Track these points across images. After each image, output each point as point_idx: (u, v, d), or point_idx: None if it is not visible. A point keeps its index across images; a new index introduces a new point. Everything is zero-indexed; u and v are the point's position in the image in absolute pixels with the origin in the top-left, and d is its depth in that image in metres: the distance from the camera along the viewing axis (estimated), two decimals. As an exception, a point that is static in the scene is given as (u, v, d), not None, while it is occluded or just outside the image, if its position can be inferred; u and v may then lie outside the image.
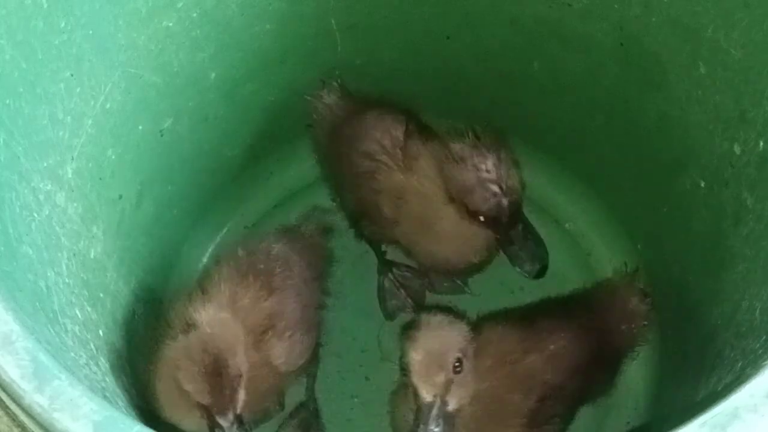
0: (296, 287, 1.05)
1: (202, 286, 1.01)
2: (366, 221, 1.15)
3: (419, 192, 1.04)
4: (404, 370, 0.91)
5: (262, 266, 1.03)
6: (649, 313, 1.13)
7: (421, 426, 0.87)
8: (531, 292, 1.22)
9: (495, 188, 0.95)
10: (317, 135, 1.23)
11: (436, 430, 0.87)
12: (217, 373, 0.87)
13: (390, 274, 1.24)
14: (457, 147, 0.98)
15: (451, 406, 0.89)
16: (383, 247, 1.25)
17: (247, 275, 1.01)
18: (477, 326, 1.02)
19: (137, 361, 1.01)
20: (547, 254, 1.05)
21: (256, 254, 1.05)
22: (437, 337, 0.91)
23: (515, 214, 0.97)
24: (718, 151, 0.96)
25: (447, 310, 1.02)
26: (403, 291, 1.24)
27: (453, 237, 1.03)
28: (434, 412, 0.87)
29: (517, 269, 1.03)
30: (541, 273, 1.05)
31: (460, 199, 0.97)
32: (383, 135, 1.10)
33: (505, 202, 0.95)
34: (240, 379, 0.88)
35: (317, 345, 1.11)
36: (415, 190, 1.04)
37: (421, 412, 0.88)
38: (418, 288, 1.25)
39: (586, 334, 1.05)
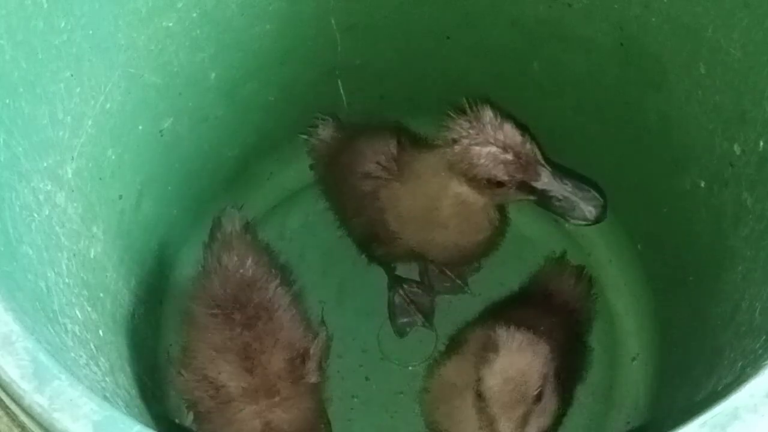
0: (288, 297, 1.05)
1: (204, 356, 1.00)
2: (376, 243, 1.15)
3: (416, 192, 1.04)
4: (480, 395, 0.86)
5: (255, 299, 1.02)
6: (588, 287, 1.17)
7: None
8: (531, 292, 1.22)
9: (491, 149, 0.92)
10: (319, 171, 1.25)
11: None
12: None
13: (401, 291, 1.24)
14: (448, 132, 0.96)
15: None
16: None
17: (253, 323, 1.00)
18: (459, 338, 1.03)
19: (137, 362, 1.01)
20: (602, 193, 0.95)
21: (241, 294, 1.02)
22: (518, 362, 0.86)
23: (530, 163, 0.93)
24: (718, 151, 0.96)
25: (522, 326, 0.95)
26: (413, 307, 1.24)
27: (455, 220, 1.02)
28: None
29: (572, 221, 0.95)
30: (602, 215, 0.94)
31: (473, 177, 0.95)
32: (377, 153, 1.10)
33: (509, 157, 0.92)
34: None
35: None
36: (412, 192, 1.04)
37: None
38: (428, 304, 1.25)
39: (552, 316, 1.07)
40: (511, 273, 1.24)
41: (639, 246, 1.22)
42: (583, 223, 0.94)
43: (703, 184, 1.01)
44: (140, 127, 1.03)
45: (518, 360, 0.86)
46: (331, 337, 1.11)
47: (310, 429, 1.02)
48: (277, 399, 0.97)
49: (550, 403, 0.88)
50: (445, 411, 0.99)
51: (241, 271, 1.03)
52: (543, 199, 0.94)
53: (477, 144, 0.93)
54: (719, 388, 0.81)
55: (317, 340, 1.04)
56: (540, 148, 0.95)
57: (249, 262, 1.04)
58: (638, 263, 1.22)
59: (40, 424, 0.60)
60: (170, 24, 0.99)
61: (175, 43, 1.01)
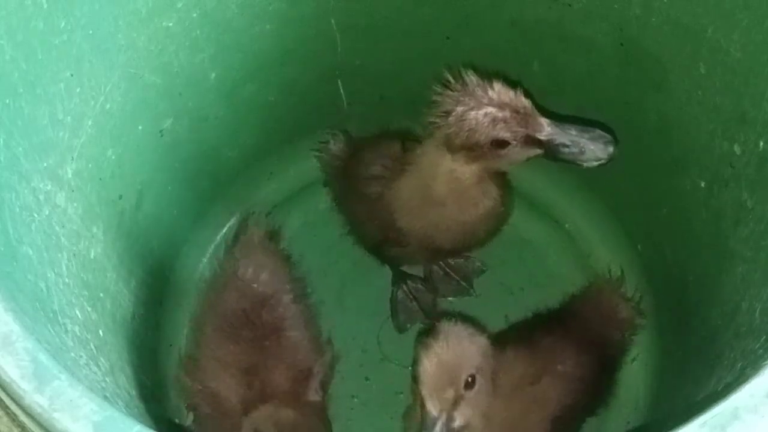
0: (299, 315, 1.04)
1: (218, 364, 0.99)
2: (388, 245, 1.14)
3: (414, 179, 1.03)
4: (414, 378, 0.88)
5: (264, 317, 1.01)
6: (638, 319, 1.14)
7: None
8: (531, 293, 1.22)
9: (487, 110, 0.90)
10: (332, 184, 1.25)
11: None
12: None
13: (404, 286, 1.24)
14: (438, 107, 0.94)
15: (457, 422, 0.86)
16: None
17: (260, 343, 0.99)
18: None
19: (137, 362, 1.01)
20: (609, 130, 0.92)
21: (252, 311, 1.01)
22: (453, 349, 0.87)
23: (528, 114, 0.90)
24: (718, 152, 0.96)
25: (469, 320, 0.95)
26: (415, 304, 1.23)
27: (452, 197, 1.00)
28: (438, 427, 0.84)
29: (584, 165, 0.92)
30: (613, 151, 0.91)
31: (475, 144, 0.92)
32: (382, 156, 1.10)
33: (506, 114, 0.90)
34: None
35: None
36: (410, 181, 1.03)
37: (425, 424, 0.85)
38: (430, 302, 1.24)
39: (586, 348, 1.05)
40: (512, 274, 1.24)
41: (639, 246, 1.22)
42: (597, 163, 0.92)
43: (703, 185, 1.01)
44: (140, 127, 1.03)
45: (452, 346, 0.87)
46: (338, 357, 1.11)
47: None
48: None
49: (483, 396, 0.89)
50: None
51: (255, 285, 1.02)
52: (550, 150, 0.91)
53: (471, 109, 0.90)
54: (719, 388, 0.81)
55: (321, 360, 1.03)
56: (534, 101, 0.92)
57: (264, 275, 1.03)
58: (638, 263, 1.22)
59: (40, 424, 0.60)
60: (170, 24, 0.99)
61: (175, 43, 1.01)
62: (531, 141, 0.91)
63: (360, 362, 1.21)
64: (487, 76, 0.92)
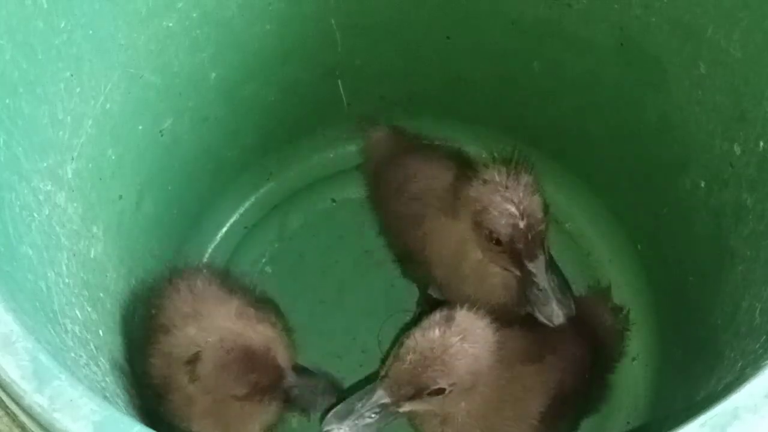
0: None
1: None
2: (412, 264, 1.13)
3: (460, 237, 1.01)
4: (384, 359, 0.86)
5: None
6: (624, 329, 1.15)
7: (358, 405, 0.84)
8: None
9: (512, 208, 0.91)
10: (367, 174, 1.23)
11: (369, 420, 0.84)
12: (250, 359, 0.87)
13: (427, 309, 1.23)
14: (485, 171, 0.95)
15: (403, 409, 0.85)
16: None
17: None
18: None
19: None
20: (573, 303, 0.96)
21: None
22: (432, 358, 0.84)
23: (534, 241, 0.92)
24: (718, 151, 0.96)
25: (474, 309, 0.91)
26: None
27: (476, 276, 1.01)
28: (379, 403, 0.84)
29: (537, 315, 0.95)
30: (563, 324, 0.96)
31: (478, 221, 0.94)
32: (432, 177, 1.08)
33: (521, 224, 0.91)
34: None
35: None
36: (450, 231, 1.03)
37: (364, 398, 0.84)
38: None
39: (582, 341, 1.05)
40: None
41: (639, 246, 1.22)
42: (545, 321, 0.95)
43: (703, 184, 1.01)
44: (140, 127, 1.03)
45: (433, 354, 0.84)
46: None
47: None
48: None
49: (458, 397, 0.87)
50: None
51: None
52: (524, 281, 0.94)
53: (502, 196, 0.92)
54: (719, 388, 0.81)
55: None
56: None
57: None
58: (638, 263, 1.22)
59: (40, 424, 0.60)
60: (170, 24, 0.99)
61: (175, 43, 1.01)
62: (517, 260, 0.93)
63: (360, 362, 1.21)
64: (537, 186, 0.94)
